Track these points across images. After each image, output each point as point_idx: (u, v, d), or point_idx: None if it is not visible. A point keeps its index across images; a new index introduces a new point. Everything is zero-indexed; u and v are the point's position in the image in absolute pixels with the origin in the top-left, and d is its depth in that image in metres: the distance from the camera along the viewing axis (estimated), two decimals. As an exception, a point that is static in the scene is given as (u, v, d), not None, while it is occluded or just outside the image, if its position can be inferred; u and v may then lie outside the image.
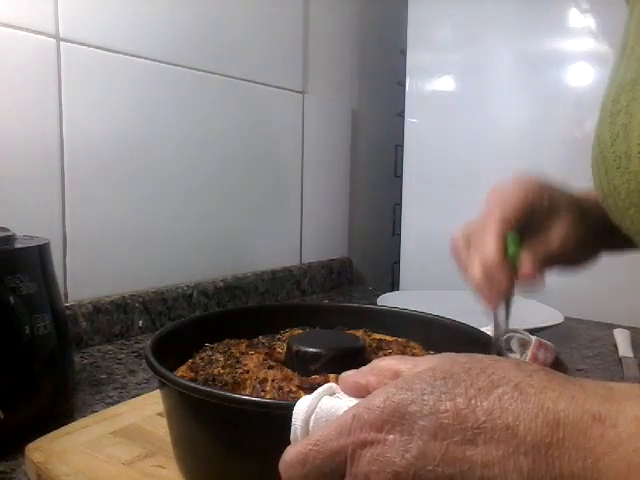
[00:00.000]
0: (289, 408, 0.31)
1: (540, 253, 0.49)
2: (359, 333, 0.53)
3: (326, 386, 0.31)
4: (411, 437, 0.25)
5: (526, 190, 0.50)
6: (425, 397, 0.25)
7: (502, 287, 0.47)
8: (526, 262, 0.48)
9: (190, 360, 0.48)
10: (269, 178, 1.12)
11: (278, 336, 0.54)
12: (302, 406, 0.30)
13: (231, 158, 1.03)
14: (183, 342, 0.50)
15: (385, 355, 0.48)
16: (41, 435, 0.49)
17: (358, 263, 1.38)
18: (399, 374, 0.29)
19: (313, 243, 1.25)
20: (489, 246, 0.47)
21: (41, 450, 0.46)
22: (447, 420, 0.24)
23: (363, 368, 0.31)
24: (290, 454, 0.28)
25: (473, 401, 0.24)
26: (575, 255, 0.53)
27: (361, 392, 0.30)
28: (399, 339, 0.53)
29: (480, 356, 0.28)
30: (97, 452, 0.46)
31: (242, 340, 0.52)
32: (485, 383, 0.25)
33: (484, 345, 0.47)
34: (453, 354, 0.29)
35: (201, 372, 0.45)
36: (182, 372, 0.46)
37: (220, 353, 0.48)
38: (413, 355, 0.49)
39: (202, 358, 0.48)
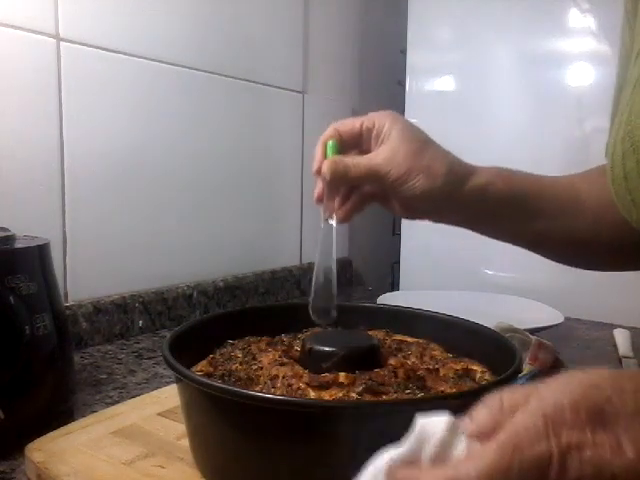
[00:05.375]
0: (291, 404, 0.31)
1: (348, 162, 0.53)
2: (381, 334, 0.54)
3: (452, 418, 0.26)
4: (620, 437, 0.24)
5: (372, 114, 0.55)
6: (621, 396, 0.24)
7: (315, 165, 0.55)
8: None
9: (211, 355, 0.49)
10: (269, 178, 1.12)
11: (300, 334, 0.54)
12: (441, 421, 0.25)
13: (231, 158, 1.03)
14: (208, 337, 0.51)
15: (404, 357, 0.48)
16: (41, 435, 0.49)
17: (358, 263, 1.38)
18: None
19: (313, 243, 1.25)
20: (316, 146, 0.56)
21: (41, 450, 0.46)
22: None
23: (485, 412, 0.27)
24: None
25: None
26: (403, 193, 0.53)
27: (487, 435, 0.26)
28: (420, 340, 0.53)
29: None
30: (97, 452, 0.46)
31: (263, 337, 0.52)
32: None
33: (503, 349, 0.47)
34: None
35: (220, 367, 0.46)
36: (202, 367, 0.46)
37: (239, 350, 0.49)
38: (432, 357, 0.49)
39: (222, 354, 0.49)
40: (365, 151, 0.55)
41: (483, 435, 0.25)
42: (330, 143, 0.55)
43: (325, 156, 0.55)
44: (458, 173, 0.54)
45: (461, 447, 0.25)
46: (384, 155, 0.53)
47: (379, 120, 0.54)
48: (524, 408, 0.25)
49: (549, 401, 0.24)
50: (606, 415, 0.24)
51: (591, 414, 0.24)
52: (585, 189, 0.57)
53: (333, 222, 0.55)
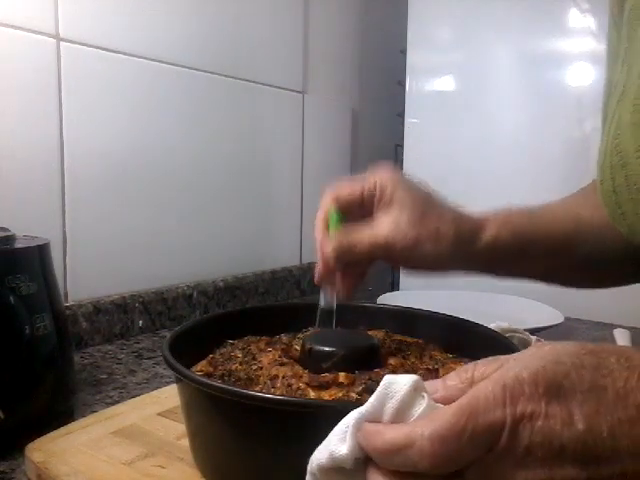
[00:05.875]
0: (291, 404, 0.32)
1: (352, 240, 0.50)
2: (381, 334, 0.53)
3: (417, 378, 0.27)
4: (572, 410, 0.25)
5: (371, 176, 0.52)
6: (580, 371, 0.25)
7: (319, 249, 0.51)
8: (328, 240, 0.51)
9: (211, 355, 0.49)
10: (269, 178, 1.12)
11: (299, 334, 0.54)
12: (406, 382, 0.26)
13: (231, 158, 1.03)
14: (208, 337, 0.51)
15: (404, 357, 0.48)
16: (41, 435, 0.49)
17: (358, 263, 1.38)
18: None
19: (313, 243, 1.25)
20: (317, 217, 0.53)
21: (41, 450, 0.46)
22: (607, 397, 0.25)
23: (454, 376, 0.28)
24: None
25: (629, 384, 0.25)
26: (411, 258, 0.51)
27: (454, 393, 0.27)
28: (419, 340, 0.53)
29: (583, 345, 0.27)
30: (97, 452, 0.46)
31: (263, 337, 0.52)
32: (628, 364, 0.26)
33: (503, 349, 0.47)
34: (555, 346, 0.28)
35: (219, 367, 0.46)
36: (201, 367, 0.46)
37: (239, 349, 0.49)
38: (431, 357, 0.49)
39: (222, 354, 0.49)
40: (367, 213, 0.52)
41: (448, 400, 0.27)
42: (334, 215, 0.51)
43: (327, 228, 0.52)
44: (465, 232, 0.52)
45: (420, 408, 0.26)
46: (389, 226, 0.50)
47: (380, 182, 0.51)
48: (488, 378, 0.26)
49: (511, 373, 0.26)
50: (563, 389, 0.25)
51: (548, 387, 0.25)
52: (585, 214, 0.56)
53: (334, 303, 0.52)
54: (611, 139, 0.45)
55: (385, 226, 0.50)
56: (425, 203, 0.51)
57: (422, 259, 0.51)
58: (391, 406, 0.26)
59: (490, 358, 0.28)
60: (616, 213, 0.46)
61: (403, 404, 0.26)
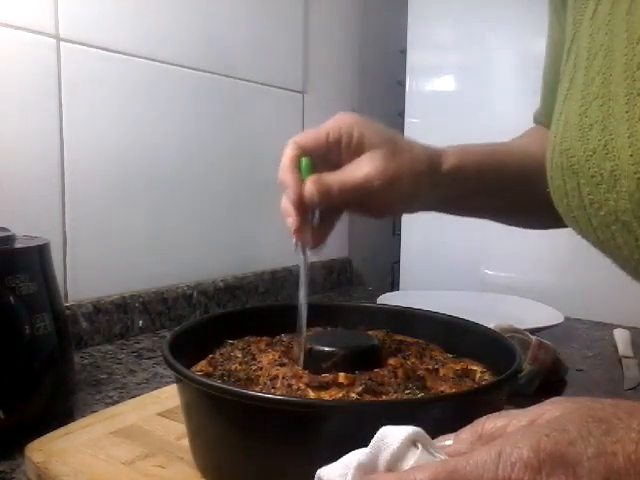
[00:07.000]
0: (291, 404, 0.32)
1: (331, 181, 0.48)
2: (381, 334, 0.53)
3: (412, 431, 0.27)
4: (579, 479, 0.23)
5: (332, 122, 0.51)
6: (586, 438, 0.24)
7: (292, 192, 0.48)
8: (301, 182, 0.48)
9: (210, 355, 0.49)
10: (269, 178, 1.12)
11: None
12: (399, 434, 0.27)
13: (231, 158, 1.03)
14: (208, 337, 0.51)
15: (404, 357, 0.48)
16: (41, 435, 0.49)
17: (358, 263, 1.38)
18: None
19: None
20: (282, 164, 0.49)
21: (41, 450, 0.46)
22: (618, 464, 0.23)
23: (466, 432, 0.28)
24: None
25: None
26: (387, 197, 0.50)
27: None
28: (420, 340, 0.53)
29: (602, 402, 0.26)
30: (97, 452, 0.46)
31: (263, 337, 0.52)
32: None
33: (503, 349, 0.47)
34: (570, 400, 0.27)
35: (219, 367, 0.46)
36: (201, 367, 0.46)
37: (239, 350, 0.49)
38: (431, 357, 0.49)
39: (222, 354, 0.49)
40: (335, 164, 0.50)
41: (457, 453, 0.26)
42: (304, 162, 0.49)
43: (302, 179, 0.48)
44: (435, 161, 0.52)
45: (411, 461, 0.26)
46: (366, 166, 0.49)
47: (346, 129, 0.50)
48: (489, 444, 0.25)
49: (511, 440, 0.24)
50: (567, 457, 0.23)
51: (551, 455, 0.23)
52: (539, 154, 0.55)
53: (308, 252, 0.50)
54: (559, 140, 0.42)
55: (362, 166, 0.49)
56: (393, 141, 0.51)
57: (397, 197, 0.51)
58: (384, 458, 0.27)
59: (502, 412, 0.27)
60: (568, 215, 0.44)
61: (394, 457, 0.26)
